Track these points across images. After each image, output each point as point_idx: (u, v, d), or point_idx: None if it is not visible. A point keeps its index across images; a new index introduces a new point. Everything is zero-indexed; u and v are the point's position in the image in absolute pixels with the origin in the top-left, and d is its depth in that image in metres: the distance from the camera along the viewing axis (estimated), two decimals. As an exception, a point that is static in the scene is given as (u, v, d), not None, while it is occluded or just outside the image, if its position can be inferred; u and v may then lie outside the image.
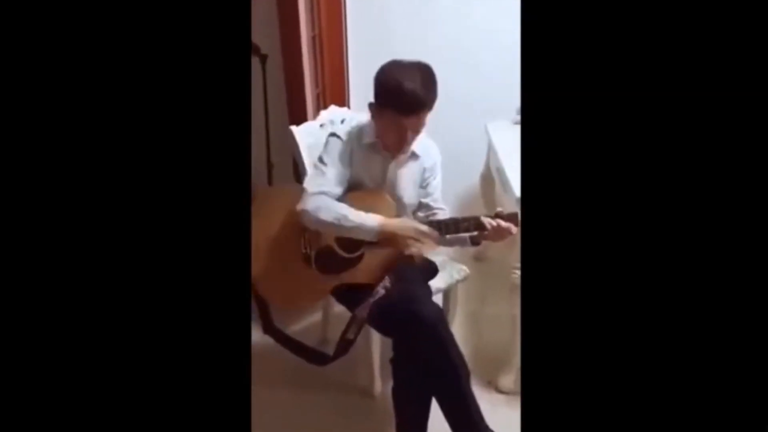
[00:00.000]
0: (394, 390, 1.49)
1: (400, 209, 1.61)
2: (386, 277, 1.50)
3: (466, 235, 1.55)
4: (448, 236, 1.53)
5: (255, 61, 2.13)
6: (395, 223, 1.50)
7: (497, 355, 1.89)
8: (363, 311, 1.46)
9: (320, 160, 1.57)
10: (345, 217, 1.47)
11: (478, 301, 2.34)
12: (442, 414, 1.44)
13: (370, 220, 1.48)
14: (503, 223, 1.44)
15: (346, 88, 2.59)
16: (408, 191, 1.64)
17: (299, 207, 1.49)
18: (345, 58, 2.57)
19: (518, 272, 1.69)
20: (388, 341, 1.50)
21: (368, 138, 1.57)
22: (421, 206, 1.71)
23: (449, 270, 1.86)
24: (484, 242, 1.58)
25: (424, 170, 1.67)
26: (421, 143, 1.65)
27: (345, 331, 1.49)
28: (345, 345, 1.50)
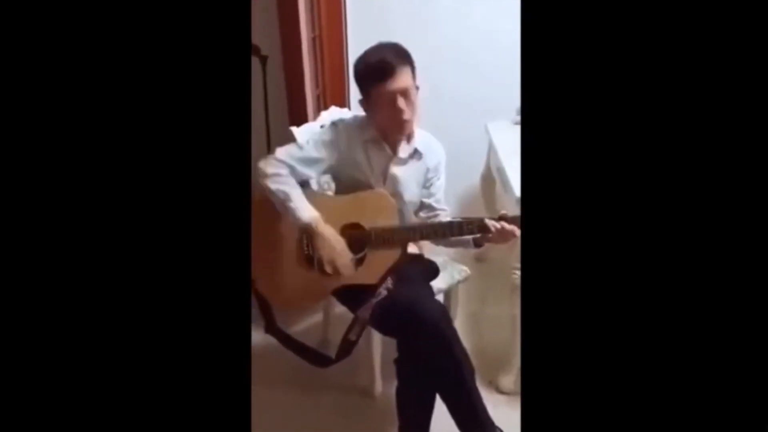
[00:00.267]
0: (399, 390, 1.49)
1: (401, 208, 1.61)
2: (388, 278, 1.49)
3: (469, 237, 1.55)
4: (452, 238, 1.53)
5: (255, 62, 2.13)
6: (322, 233, 1.47)
7: (497, 355, 1.89)
8: (365, 312, 1.46)
9: (308, 141, 1.58)
10: (288, 197, 1.47)
11: (478, 302, 2.34)
12: (448, 411, 1.44)
13: (306, 213, 1.47)
14: (507, 226, 1.44)
15: (347, 88, 2.59)
16: (410, 190, 1.63)
17: (260, 163, 1.50)
18: (345, 59, 2.57)
19: (518, 273, 1.69)
20: (389, 342, 1.50)
21: (368, 133, 1.57)
22: (423, 207, 1.70)
23: (450, 270, 1.86)
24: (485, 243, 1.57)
25: (428, 170, 1.66)
26: (425, 142, 1.65)
27: (347, 333, 1.49)
28: (347, 346, 1.49)
